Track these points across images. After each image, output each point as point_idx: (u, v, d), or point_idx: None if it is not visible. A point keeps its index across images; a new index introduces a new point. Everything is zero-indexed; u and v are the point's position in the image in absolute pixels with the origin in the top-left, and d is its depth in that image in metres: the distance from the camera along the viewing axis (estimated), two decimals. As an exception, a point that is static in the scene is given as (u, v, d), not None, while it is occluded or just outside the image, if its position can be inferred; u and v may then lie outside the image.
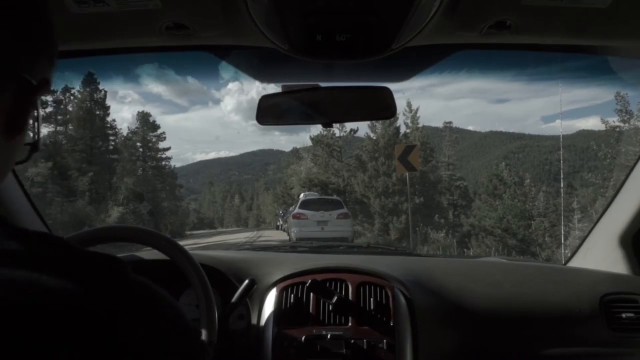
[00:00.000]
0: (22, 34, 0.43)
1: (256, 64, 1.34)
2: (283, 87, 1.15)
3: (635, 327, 1.24)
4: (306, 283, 1.18)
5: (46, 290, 0.33)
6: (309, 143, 28.14)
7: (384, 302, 1.18)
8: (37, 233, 0.39)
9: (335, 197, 18.23)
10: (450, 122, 32.85)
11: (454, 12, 0.85)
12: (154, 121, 33.45)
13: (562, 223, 17.06)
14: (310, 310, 1.17)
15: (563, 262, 1.71)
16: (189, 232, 35.30)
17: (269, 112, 1.16)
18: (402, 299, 1.20)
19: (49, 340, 0.32)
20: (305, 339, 1.12)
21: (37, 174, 20.18)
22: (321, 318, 1.16)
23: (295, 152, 39.19)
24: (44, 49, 0.47)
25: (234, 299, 1.15)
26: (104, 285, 0.37)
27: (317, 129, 26.93)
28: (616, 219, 1.43)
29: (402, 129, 24.72)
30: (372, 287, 1.21)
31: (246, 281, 1.19)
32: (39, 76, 0.46)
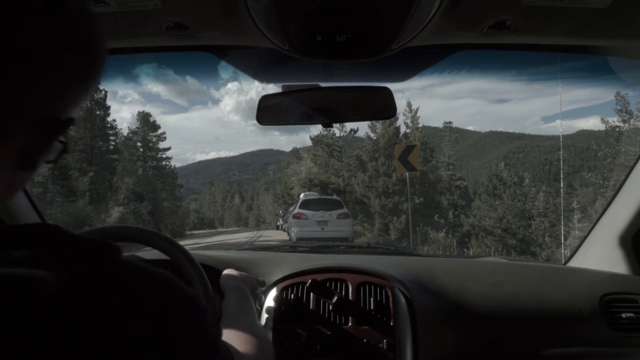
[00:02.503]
0: (73, 72, 0.42)
1: (256, 64, 1.34)
2: (283, 87, 1.15)
3: (635, 327, 1.24)
4: (306, 283, 1.18)
5: (29, 282, 0.34)
6: (309, 143, 28.18)
7: (384, 302, 1.18)
8: (28, 226, 0.39)
9: (335, 197, 18.22)
10: (450, 122, 32.88)
11: (454, 12, 0.85)
12: (154, 121, 33.48)
13: (562, 223, 17.06)
14: (310, 310, 1.17)
15: (563, 262, 1.71)
16: (189, 232, 35.30)
17: (269, 112, 1.16)
18: (402, 299, 1.20)
19: (37, 332, 0.32)
20: (305, 338, 1.12)
21: (37, 174, 20.14)
22: (321, 318, 1.16)
23: (295, 152, 39.21)
24: (74, 92, 0.45)
25: None
26: (89, 273, 0.38)
27: (317, 129, 26.96)
28: (616, 219, 1.43)
29: (402, 129, 24.76)
30: (372, 287, 1.21)
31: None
32: (65, 115, 0.45)
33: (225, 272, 1.08)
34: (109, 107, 28.75)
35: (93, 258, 0.40)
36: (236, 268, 1.21)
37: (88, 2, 0.48)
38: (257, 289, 1.11)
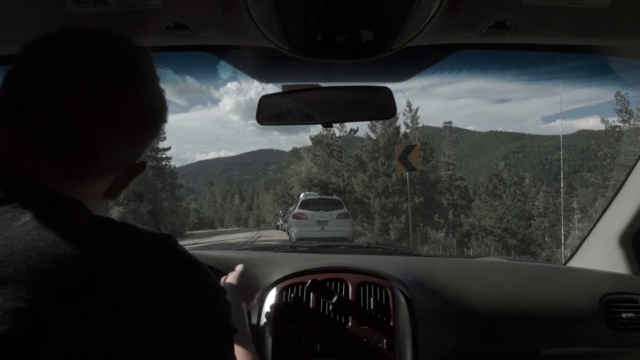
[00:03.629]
0: (151, 135, 0.59)
1: (256, 64, 1.34)
2: (283, 87, 1.15)
3: (635, 327, 1.24)
4: (306, 283, 1.18)
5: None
6: (309, 143, 28.15)
7: (384, 302, 1.18)
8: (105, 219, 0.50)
9: (335, 197, 18.23)
10: (450, 122, 32.87)
11: (454, 12, 0.85)
12: (154, 121, 33.40)
13: (562, 223, 17.07)
14: (310, 310, 1.17)
15: (563, 262, 1.71)
16: (189, 232, 35.32)
17: (269, 112, 1.16)
18: (402, 299, 1.20)
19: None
20: (305, 339, 1.12)
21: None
22: (321, 318, 1.16)
23: (295, 152, 39.19)
24: (147, 145, 0.60)
25: None
26: (160, 258, 0.49)
27: (317, 129, 26.93)
28: (616, 219, 1.43)
29: (402, 129, 24.75)
30: (372, 287, 1.21)
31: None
32: (139, 160, 0.61)
33: (228, 280, 1.07)
34: (109, 107, 28.68)
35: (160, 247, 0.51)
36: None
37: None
38: (254, 299, 1.10)
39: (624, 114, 16.68)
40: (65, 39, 0.56)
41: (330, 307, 1.16)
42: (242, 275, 1.08)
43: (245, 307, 1.01)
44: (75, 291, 0.41)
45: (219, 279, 1.08)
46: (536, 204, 21.18)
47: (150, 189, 30.52)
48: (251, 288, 1.09)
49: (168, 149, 34.33)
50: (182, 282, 0.50)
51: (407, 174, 12.97)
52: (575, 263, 1.59)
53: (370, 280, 1.23)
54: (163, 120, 0.61)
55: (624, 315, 1.25)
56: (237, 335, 0.81)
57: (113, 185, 0.59)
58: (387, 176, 22.25)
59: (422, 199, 22.89)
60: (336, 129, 25.27)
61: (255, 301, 1.13)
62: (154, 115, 0.59)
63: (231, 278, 1.07)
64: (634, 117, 16.43)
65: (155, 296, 0.46)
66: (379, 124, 23.88)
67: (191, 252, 0.91)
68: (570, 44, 1.07)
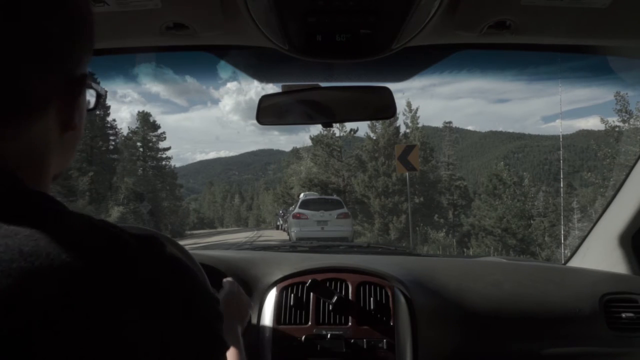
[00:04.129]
0: (71, 35, 0.48)
1: (256, 64, 1.34)
2: (283, 87, 1.15)
3: (635, 326, 1.25)
4: (306, 283, 1.18)
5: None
6: (309, 143, 28.13)
7: (384, 302, 1.18)
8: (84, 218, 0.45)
9: (335, 197, 18.23)
10: (450, 122, 32.84)
11: (454, 12, 0.85)
12: (154, 121, 33.46)
13: (562, 223, 17.07)
14: (310, 310, 1.18)
15: (563, 262, 1.71)
16: (189, 232, 35.33)
17: (269, 112, 1.16)
18: (402, 299, 1.20)
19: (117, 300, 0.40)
20: (305, 338, 1.12)
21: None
22: (321, 318, 1.16)
23: (295, 152, 39.18)
24: (87, 47, 0.51)
25: None
26: (146, 258, 0.45)
27: (317, 129, 26.91)
28: (616, 219, 1.43)
29: (402, 129, 24.74)
30: (372, 286, 1.21)
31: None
32: (80, 72, 0.50)
33: (223, 296, 0.99)
34: (108, 107, 28.80)
35: (151, 247, 0.47)
36: (236, 267, 1.21)
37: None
38: (248, 316, 1.04)
39: (623, 114, 16.70)
40: None
41: (330, 307, 1.16)
42: (233, 295, 1.00)
43: (240, 328, 0.94)
44: (58, 307, 0.37)
45: (220, 280, 1.08)
46: (536, 203, 21.20)
47: (150, 189, 30.53)
48: (244, 305, 1.02)
49: (168, 149, 34.38)
50: (173, 285, 0.46)
51: (407, 174, 12.98)
52: (575, 263, 1.59)
53: (370, 280, 1.23)
54: (91, 12, 0.51)
55: (623, 315, 1.25)
56: (234, 355, 0.78)
57: (66, 114, 0.49)
58: (387, 176, 22.25)
59: (422, 199, 22.89)
60: (336, 129, 25.27)
61: (249, 319, 1.07)
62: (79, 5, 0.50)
63: (223, 301, 0.96)
64: (634, 117, 16.44)
65: (142, 303, 0.42)
66: (379, 124, 23.87)
67: (191, 251, 0.90)
68: (570, 44, 1.07)
